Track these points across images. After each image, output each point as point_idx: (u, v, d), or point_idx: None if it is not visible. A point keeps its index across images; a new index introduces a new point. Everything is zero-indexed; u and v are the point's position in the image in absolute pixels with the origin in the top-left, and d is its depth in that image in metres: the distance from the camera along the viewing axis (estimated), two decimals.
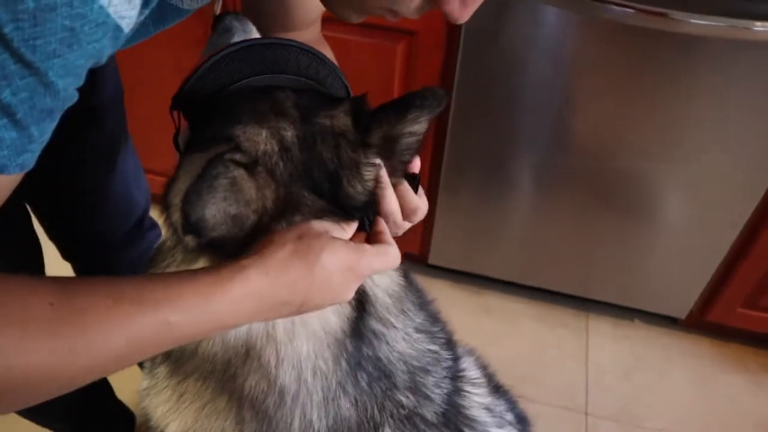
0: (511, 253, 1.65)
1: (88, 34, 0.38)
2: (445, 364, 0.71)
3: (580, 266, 1.61)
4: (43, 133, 0.39)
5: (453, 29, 1.24)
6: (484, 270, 1.72)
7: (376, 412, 0.62)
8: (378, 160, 0.58)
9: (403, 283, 0.68)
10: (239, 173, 0.50)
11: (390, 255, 0.56)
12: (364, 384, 0.61)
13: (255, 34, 0.65)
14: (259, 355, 0.57)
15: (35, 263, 0.94)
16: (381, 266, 0.55)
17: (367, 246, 0.54)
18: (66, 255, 1.11)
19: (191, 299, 0.46)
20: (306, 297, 0.51)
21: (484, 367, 0.80)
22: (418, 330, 0.68)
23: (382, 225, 0.58)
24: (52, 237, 1.06)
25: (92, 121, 0.92)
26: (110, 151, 0.98)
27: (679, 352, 1.63)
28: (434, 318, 0.73)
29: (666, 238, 1.47)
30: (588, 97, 1.31)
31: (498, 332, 1.67)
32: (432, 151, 1.46)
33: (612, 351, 1.63)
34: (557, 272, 1.65)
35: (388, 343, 0.63)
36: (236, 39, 0.64)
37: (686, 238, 1.45)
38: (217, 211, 0.49)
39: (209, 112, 0.56)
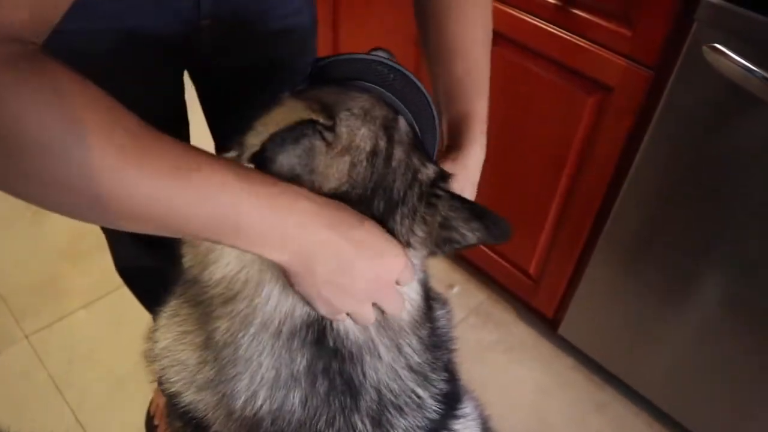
0: (652, 365, 1.43)
1: None
2: (428, 414, 0.66)
3: (730, 420, 1.33)
4: None
5: (651, 95, 1.11)
6: (613, 366, 1.52)
7: (322, 421, 0.60)
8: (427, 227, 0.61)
9: (417, 317, 0.65)
10: (319, 145, 0.55)
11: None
12: (321, 390, 0.59)
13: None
14: (236, 302, 0.58)
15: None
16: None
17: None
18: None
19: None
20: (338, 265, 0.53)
21: None
22: (411, 369, 0.64)
23: None
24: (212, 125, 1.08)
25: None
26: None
27: None
28: (441, 365, 0.68)
29: None
30: None
31: None
32: (596, 213, 1.33)
33: None
34: (700, 412, 1.38)
35: (363, 369, 0.61)
36: None
37: None
38: (287, 161, 0.53)
39: (328, 87, 0.63)
